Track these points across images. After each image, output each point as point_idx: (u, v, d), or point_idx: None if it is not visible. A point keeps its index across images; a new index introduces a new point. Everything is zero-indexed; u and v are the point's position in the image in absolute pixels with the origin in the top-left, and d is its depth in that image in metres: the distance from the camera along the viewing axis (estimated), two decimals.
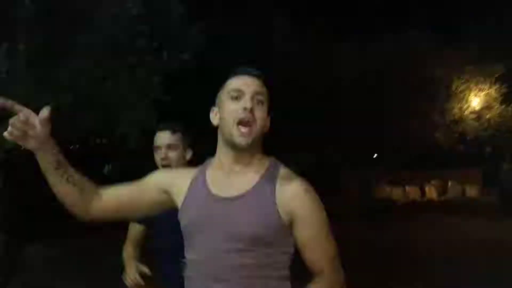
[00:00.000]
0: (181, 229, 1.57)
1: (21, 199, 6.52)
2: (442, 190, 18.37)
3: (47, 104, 3.85)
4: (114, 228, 2.42)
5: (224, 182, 1.52)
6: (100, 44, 4.75)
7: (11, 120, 1.39)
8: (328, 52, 9.82)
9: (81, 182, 1.53)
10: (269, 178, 1.52)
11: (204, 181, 1.56)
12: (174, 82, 5.10)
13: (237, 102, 1.51)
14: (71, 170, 1.51)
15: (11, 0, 4.47)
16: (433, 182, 18.29)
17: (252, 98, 1.50)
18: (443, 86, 13.61)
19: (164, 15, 5.30)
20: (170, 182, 1.63)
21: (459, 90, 13.76)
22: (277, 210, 1.45)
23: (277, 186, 1.49)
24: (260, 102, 1.53)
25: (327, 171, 14.61)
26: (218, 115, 1.56)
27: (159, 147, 2.40)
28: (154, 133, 4.70)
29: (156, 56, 4.92)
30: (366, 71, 10.51)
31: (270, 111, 1.58)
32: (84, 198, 1.55)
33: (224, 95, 1.55)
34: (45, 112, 1.41)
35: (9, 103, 1.38)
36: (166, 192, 1.61)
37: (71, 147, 7.73)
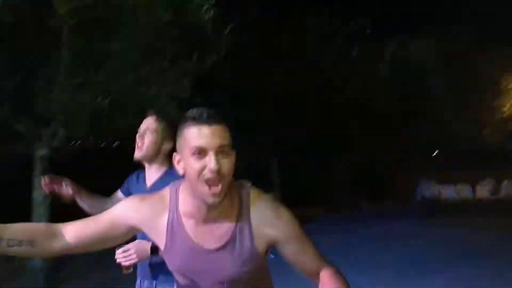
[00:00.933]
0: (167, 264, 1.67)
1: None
2: (494, 190, 17.74)
3: (84, 106, 4.14)
4: None
5: (203, 231, 1.57)
6: (134, 50, 5.03)
7: None
8: (371, 52, 9.73)
9: (26, 238, 1.52)
10: (244, 221, 1.57)
11: (184, 231, 1.58)
12: (205, 82, 5.29)
13: (201, 159, 1.45)
14: (8, 233, 1.50)
15: (53, 11, 4.76)
16: (484, 181, 17.69)
17: (216, 154, 1.45)
18: (493, 84, 13.21)
19: (195, 20, 5.52)
20: (142, 220, 1.63)
21: (510, 87, 13.32)
22: (256, 248, 1.56)
23: (253, 222, 1.57)
24: (226, 153, 1.48)
25: (380, 171, 14.52)
26: (181, 165, 1.52)
27: (138, 131, 2.45)
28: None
29: (187, 59, 5.12)
30: (414, 71, 10.32)
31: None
32: (38, 247, 1.55)
33: (185, 149, 1.48)
34: None
35: None
36: (135, 228, 1.61)
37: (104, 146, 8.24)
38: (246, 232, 1.57)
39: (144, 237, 1.94)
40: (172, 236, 1.57)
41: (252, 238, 1.56)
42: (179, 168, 1.53)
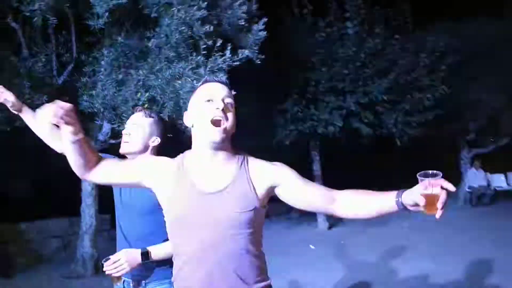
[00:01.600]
0: (170, 221, 1.79)
1: None
2: None
3: (126, 101, 4.39)
4: None
5: (205, 177, 1.75)
6: (170, 46, 5.22)
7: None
8: (413, 41, 9.46)
9: (87, 155, 1.76)
10: (243, 169, 1.78)
11: (188, 178, 1.77)
12: (238, 77, 5.41)
13: (210, 104, 1.75)
14: (83, 143, 1.73)
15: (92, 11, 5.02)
16: None
17: (222, 101, 1.75)
18: None
19: (228, 15, 5.65)
20: (153, 169, 1.84)
21: None
22: (255, 192, 1.74)
23: (251, 173, 1.78)
24: (230, 104, 1.78)
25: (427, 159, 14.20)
26: (190, 118, 1.80)
27: (127, 124, 2.46)
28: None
29: (220, 55, 5.25)
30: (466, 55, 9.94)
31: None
32: (85, 168, 1.78)
33: (197, 100, 1.80)
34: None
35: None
36: (147, 177, 1.83)
37: None
38: (244, 177, 1.76)
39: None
40: (177, 184, 1.77)
41: (250, 183, 1.75)
42: (188, 122, 1.81)
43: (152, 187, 1.83)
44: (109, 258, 2.25)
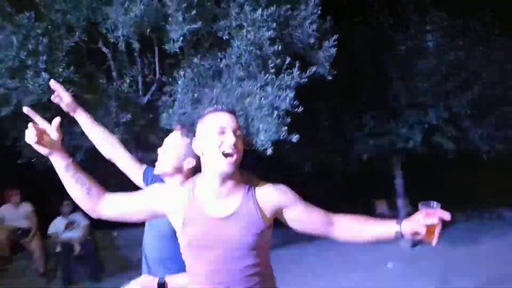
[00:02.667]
0: (183, 244, 1.92)
1: None
2: None
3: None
4: None
5: (215, 204, 1.90)
6: (240, 66, 5.48)
7: (30, 125, 1.71)
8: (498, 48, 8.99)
9: (88, 184, 1.87)
10: (250, 194, 1.92)
11: (199, 205, 1.91)
12: (306, 94, 5.54)
13: (221, 136, 1.87)
14: (80, 173, 1.86)
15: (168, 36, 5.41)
16: None
17: (234, 133, 1.88)
18: None
19: (298, 34, 5.81)
20: (165, 198, 1.96)
21: None
22: (261, 217, 1.87)
23: (257, 197, 1.92)
24: (239, 136, 1.91)
25: None
26: (200, 146, 1.93)
27: (164, 143, 2.43)
28: (284, 142, 5.21)
29: (287, 74, 5.42)
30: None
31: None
32: (90, 198, 1.88)
33: (207, 130, 1.91)
34: (56, 121, 1.79)
35: (31, 111, 1.76)
36: (161, 206, 1.96)
37: None
38: (251, 203, 1.90)
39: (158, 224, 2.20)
40: (189, 210, 1.91)
41: (256, 207, 1.89)
42: (198, 150, 1.94)
43: (166, 213, 1.97)
44: (127, 284, 2.40)
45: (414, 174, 10.04)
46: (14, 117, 5.59)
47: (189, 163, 2.38)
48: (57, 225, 8.23)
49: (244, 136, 5.58)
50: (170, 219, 1.97)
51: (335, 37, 5.97)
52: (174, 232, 2.02)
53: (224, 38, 5.56)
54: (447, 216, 1.75)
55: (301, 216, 1.92)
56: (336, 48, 5.93)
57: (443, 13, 8.50)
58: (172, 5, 5.14)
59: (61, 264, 8.07)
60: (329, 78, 5.91)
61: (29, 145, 1.77)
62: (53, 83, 2.55)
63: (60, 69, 5.31)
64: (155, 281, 2.29)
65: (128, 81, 6.33)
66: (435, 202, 1.78)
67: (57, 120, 1.80)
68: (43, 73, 5.06)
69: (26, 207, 8.31)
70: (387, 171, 10.26)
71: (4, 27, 4.98)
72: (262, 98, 5.23)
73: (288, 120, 5.35)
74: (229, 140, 1.85)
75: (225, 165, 1.84)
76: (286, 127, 5.29)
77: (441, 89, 8.36)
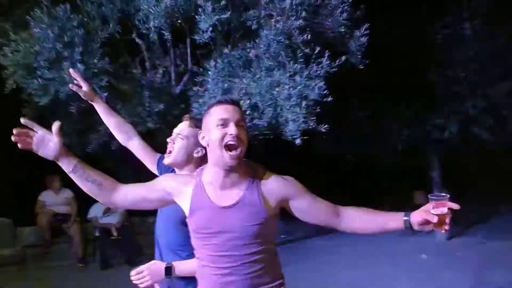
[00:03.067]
0: (191, 230, 2.00)
1: None
2: None
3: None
4: None
5: (220, 194, 1.94)
6: (268, 56, 5.51)
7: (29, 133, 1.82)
8: None
9: (99, 180, 1.95)
10: (254, 184, 1.93)
11: (205, 194, 1.95)
12: (339, 84, 5.51)
13: (224, 128, 1.87)
14: (88, 171, 1.93)
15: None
16: None
17: (236, 124, 1.88)
18: None
19: (328, 23, 5.77)
20: (174, 187, 2.01)
21: None
22: (265, 207, 1.91)
23: (262, 187, 1.93)
24: (242, 127, 1.92)
25: None
26: (206, 139, 1.94)
27: (173, 133, 2.43)
28: (312, 132, 5.20)
29: (316, 63, 5.40)
30: None
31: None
32: (103, 193, 1.96)
33: (211, 122, 1.91)
34: (56, 125, 1.88)
35: (30, 122, 1.87)
36: (170, 194, 2.02)
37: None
38: (255, 193, 1.92)
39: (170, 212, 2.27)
40: (196, 199, 1.96)
41: (260, 198, 1.91)
42: (203, 142, 1.95)
43: (176, 200, 2.03)
44: (136, 268, 2.38)
45: (450, 165, 9.81)
46: (52, 106, 5.83)
47: (198, 152, 2.39)
48: (96, 210, 8.45)
49: (274, 126, 5.65)
50: (180, 205, 2.03)
51: (366, 25, 5.90)
52: (184, 219, 2.06)
53: (252, 27, 5.57)
54: (455, 206, 1.74)
55: (308, 207, 1.94)
56: (368, 37, 5.85)
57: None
58: None
59: (99, 248, 8.35)
60: (361, 67, 5.86)
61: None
62: (72, 72, 2.67)
63: (95, 60, 5.49)
64: (162, 265, 2.34)
65: (161, 71, 6.45)
66: (444, 193, 1.79)
67: (56, 124, 1.88)
68: (78, 64, 5.24)
69: (67, 193, 8.59)
70: (424, 163, 10.08)
71: (41, 20, 5.18)
72: (291, 88, 5.24)
73: (318, 109, 5.34)
74: (232, 133, 1.85)
75: (228, 158, 1.86)
76: (315, 117, 5.28)
77: (479, 78, 8.13)
